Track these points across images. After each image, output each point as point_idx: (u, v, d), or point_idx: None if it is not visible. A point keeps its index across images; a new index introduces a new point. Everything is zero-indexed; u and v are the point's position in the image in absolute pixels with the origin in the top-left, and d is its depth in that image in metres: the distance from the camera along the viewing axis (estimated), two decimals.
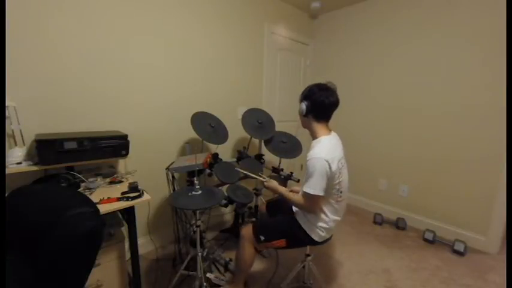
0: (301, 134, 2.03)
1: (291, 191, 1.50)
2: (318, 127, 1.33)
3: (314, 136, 1.35)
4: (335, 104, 1.29)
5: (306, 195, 1.25)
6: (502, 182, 2.04)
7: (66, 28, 1.51)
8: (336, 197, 1.31)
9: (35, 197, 0.62)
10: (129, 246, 1.34)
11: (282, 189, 1.42)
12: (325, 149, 1.24)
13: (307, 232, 1.34)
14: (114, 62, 1.72)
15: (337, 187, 1.30)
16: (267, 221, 1.63)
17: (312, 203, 1.26)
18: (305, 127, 1.40)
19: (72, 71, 1.57)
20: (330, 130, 1.36)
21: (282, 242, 1.38)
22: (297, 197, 1.32)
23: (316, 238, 1.35)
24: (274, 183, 1.45)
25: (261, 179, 1.53)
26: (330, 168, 1.21)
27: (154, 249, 2.02)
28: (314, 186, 1.20)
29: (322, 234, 1.35)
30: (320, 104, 1.28)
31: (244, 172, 1.62)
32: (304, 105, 1.30)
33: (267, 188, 1.46)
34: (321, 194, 1.21)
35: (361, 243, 2.27)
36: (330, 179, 1.23)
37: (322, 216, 1.32)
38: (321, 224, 1.33)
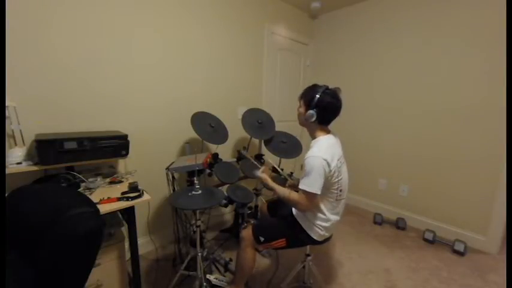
0: (303, 135, 2.03)
1: (289, 186, 1.51)
2: (318, 129, 1.34)
3: (313, 136, 1.36)
4: (339, 112, 1.32)
5: (302, 192, 1.24)
6: (502, 182, 2.03)
7: (66, 28, 1.51)
8: (335, 195, 1.31)
9: (35, 197, 0.62)
10: (129, 246, 1.34)
11: (272, 183, 1.40)
12: (323, 148, 1.25)
13: (307, 231, 1.34)
14: (114, 62, 1.72)
15: (337, 186, 1.30)
16: (265, 221, 1.63)
17: (308, 201, 1.23)
18: (304, 126, 1.40)
19: (72, 71, 1.57)
20: (329, 131, 1.37)
21: (281, 242, 1.38)
22: (293, 194, 1.29)
23: (315, 237, 1.35)
24: (264, 176, 1.45)
25: (258, 165, 1.55)
26: (329, 166, 1.21)
27: (154, 249, 2.02)
28: (311, 184, 1.20)
29: (322, 233, 1.35)
30: (329, 113, 1.30)
31: (247, 156, 1.74)
32: (313, 112, 1.27)
33: (258, 178, 1.48)
34: (318, 192, 1.20)
35: (361, 243, 2.27)
36: (329, 178, 1.23)
37: (321, 215, 1.32)
38: (320, 222, 1.33)
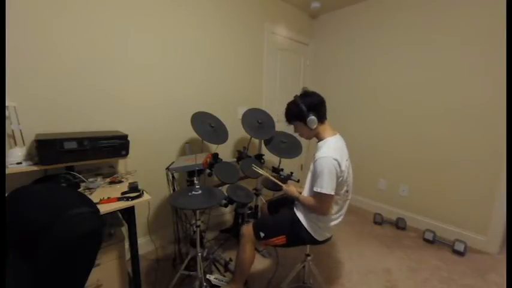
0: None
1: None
2: (324, 129, 1.35)
3: (320, 138, 1.35)
4: (324, 100, 1.35)
5: (316, 195, 1.23)
6: (502, 182, 2.03)
7: (66, 28, 1.51)
8: (343, 196, 1.32)
9: (35, 197, 0.62)
10: (129, 246, 1.34)
11: (297, 194, 1.40)
12: (333, 148, 1.25)
13: (308, 230, 1.34)
14: (114, 62, 1.72)
15: (345, 187, 1.30)
16: (267, 218, 1.64)
17: (324, 203, 1.24)
18: (313, 136, 1.39)
19: (72, 71, 1.57)
20: (335, 131, 1.37)
21: (282, 239, 1.38)
22: (308, 199, 1.30)
23: (316, 237, 1.35)
24: (292, 189, 1.43)
25: (280, 184, 1.51)
26: (340, 166, 1.21)
27: (154, 249, 2.02)
28: (325, 186, 1.19)
29: (323, 232, 1.35)
30: (320, 107, 1.32)
31: (266, 174, 1.63)
32: (312, 117, 1.28)
33: (286, 192, 1.46)
34: (332, 193, 1.20)
35: (361, 243, 2.27)
36: (339, 178, 1.23)
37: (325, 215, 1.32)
38: (322, 222, 1.33)
